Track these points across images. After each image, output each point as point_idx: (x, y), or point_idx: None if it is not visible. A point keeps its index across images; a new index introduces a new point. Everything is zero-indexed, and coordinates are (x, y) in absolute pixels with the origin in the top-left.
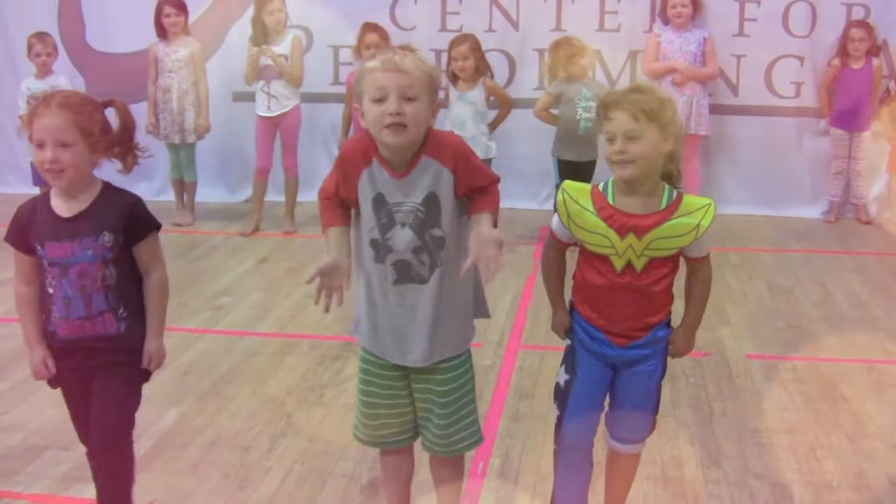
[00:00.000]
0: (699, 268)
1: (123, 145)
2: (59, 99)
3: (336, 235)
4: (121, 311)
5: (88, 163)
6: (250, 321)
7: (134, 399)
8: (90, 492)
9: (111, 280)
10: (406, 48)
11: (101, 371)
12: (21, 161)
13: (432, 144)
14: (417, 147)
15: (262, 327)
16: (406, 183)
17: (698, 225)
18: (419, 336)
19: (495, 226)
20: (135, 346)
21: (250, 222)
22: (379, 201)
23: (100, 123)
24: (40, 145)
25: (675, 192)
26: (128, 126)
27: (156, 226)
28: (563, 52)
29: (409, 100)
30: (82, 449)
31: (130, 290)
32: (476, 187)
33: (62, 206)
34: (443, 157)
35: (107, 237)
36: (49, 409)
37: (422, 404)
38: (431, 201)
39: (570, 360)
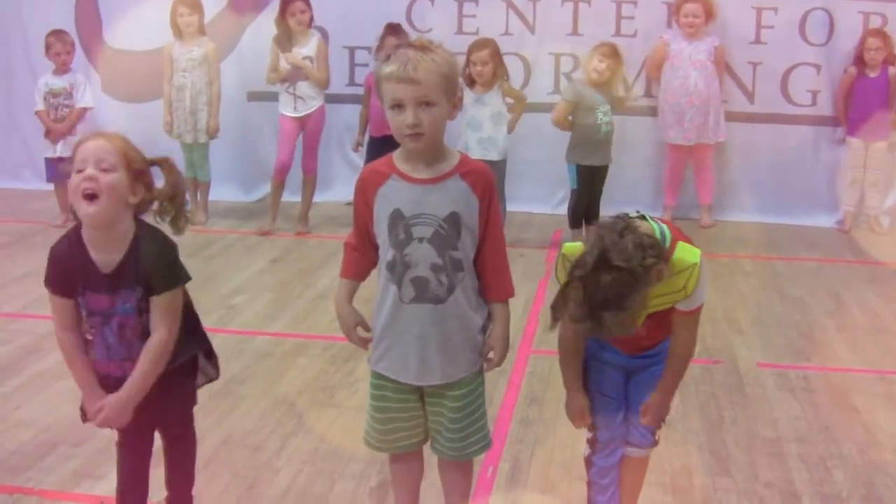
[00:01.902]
0: (683, 326)
1: (173, 203)
2: (108, 132)
3: (345, 289)
4: None
5: (124, 202)
6: (262, 321)
7: (189, 412)
8: (100, 488)
9: (150, 325)
10: (419, 47)
11: (155, 410)
12: (36, 157)
13: (466, 168)
14: (443, 154)
15: (275, 327)
16: (431, 192)
17: (685, 287)
18: (437, 357)
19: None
20: (180, 368)
21: (268, 220)
22: (396, 216)
23: (143, 166)
24: (81, 169)
25: (666, 242)
26: (177, 184)
27: (179, 281)
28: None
29: (426, 105)
30: (93, 445)
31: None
32: (492, 260)
33: (100, 259)
34: (475, 183)
35: (138, 290)
36: (61, 405)
37: (434, 416)
38: (454, 220)
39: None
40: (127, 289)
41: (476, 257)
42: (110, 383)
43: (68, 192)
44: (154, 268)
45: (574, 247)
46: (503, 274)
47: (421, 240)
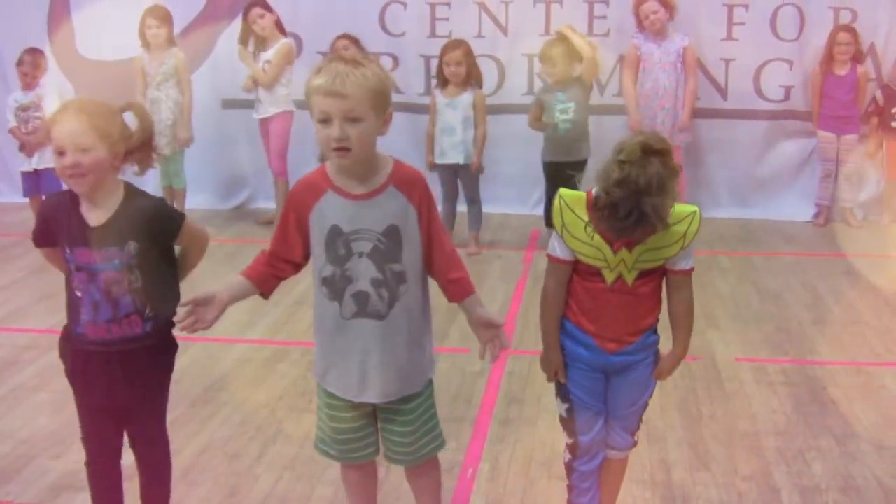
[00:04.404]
0: (681, 285)
1: (144, 148)
2: (75, 104)
3: (238, 282)
4: (147, 311)
5: (110, 167)
6: (241, 328)
7: (162, 411)
8: (79, 500)
9: (136, 283)
10: (350, 61)
11: (130, 399)
12: (12, 171)
13: (400, 176)
14: (376, 166)
15: (253, 335)
16: (368, 207)
17: (685, 234)
18: (377, 373)
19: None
20: (159, 342)
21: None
22: (334, 233)
23: (118, 126)
24: (61, 152)
25: None
26: (147, 128)
27: (181, 220)
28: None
29: (354, 121)
30: (72, 458)
31: (155, 287)
32: (444, 265)
33: (89, 213)
34: (410, 192)
35: (132, 247)
36: (39, 417)
37: (386, 425)
38: (392, 233)
39: (562, 388)
40: (116, 246)
41: (429, 265)
42: (99, 351)
43: (57, 173)
44: (157, 225)
45: (572, 192)
46: (460, 272)
47: (360, 255)
